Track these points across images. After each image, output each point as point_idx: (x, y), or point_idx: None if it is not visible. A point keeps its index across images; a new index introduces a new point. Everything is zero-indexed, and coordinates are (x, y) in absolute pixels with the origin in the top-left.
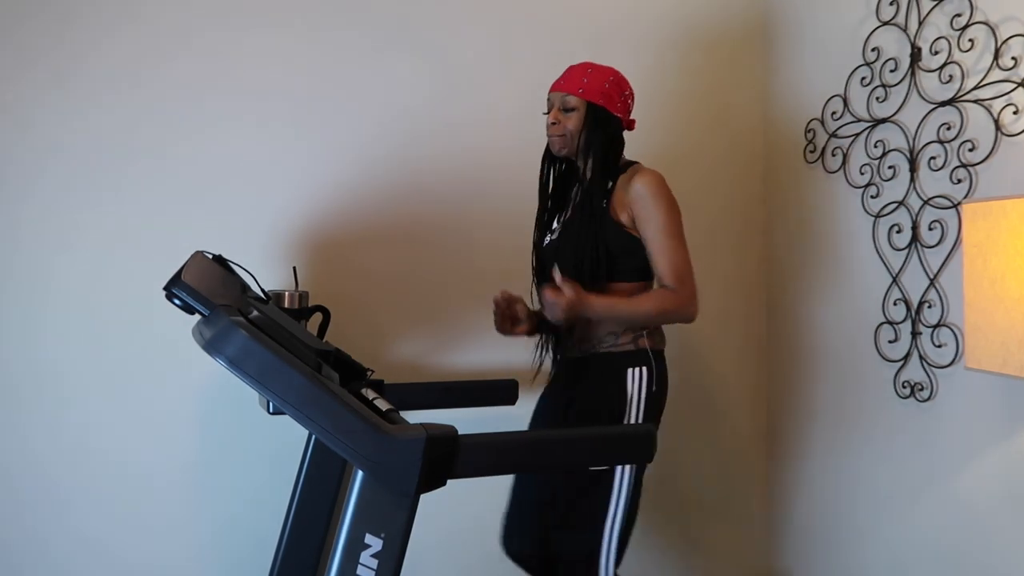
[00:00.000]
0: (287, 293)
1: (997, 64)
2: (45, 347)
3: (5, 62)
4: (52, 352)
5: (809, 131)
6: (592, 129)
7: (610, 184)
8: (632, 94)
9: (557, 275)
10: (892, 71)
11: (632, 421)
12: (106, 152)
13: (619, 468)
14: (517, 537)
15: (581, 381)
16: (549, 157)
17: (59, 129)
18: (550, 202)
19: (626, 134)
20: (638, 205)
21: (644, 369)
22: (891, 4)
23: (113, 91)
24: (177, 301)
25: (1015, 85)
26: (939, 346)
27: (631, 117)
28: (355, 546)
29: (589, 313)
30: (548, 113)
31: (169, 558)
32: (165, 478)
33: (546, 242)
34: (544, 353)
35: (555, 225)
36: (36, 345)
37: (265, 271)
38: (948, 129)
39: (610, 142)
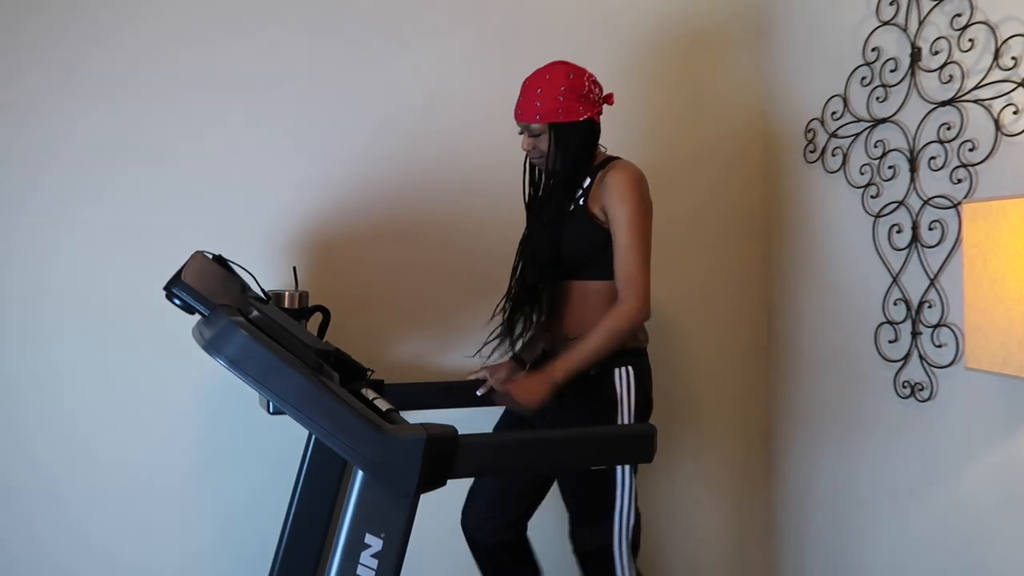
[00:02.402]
0: (287, 293)
1: (997, 64)
2: (44, 347)
3: (5, 62)
4: (50, 352)
5: (809, 131)
6: (559, 148)
7: (588, 181)
8: (592, 82)
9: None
10: (892, 71)
11: (625, 422)
12: (106, 152)
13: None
14: (483, 521)
15: (570, 383)
16: (529, 172)
17: (59, 129)
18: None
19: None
20: (608, 200)
21: (631, 368)
22: (891, 4)
23: (112, 92)
24: (177, 301)
25: (1015, 85)
26: (939, 346)
27: (603, 97)
28: (355, 546)
29: (563, 381)
30: (521, 135)
31: (169, 558)
32: (165, 478)
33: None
34: (510, 348)
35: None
36: (35, 345)
37: (265, 271)
38: (948, 129)
39: (580, 148)
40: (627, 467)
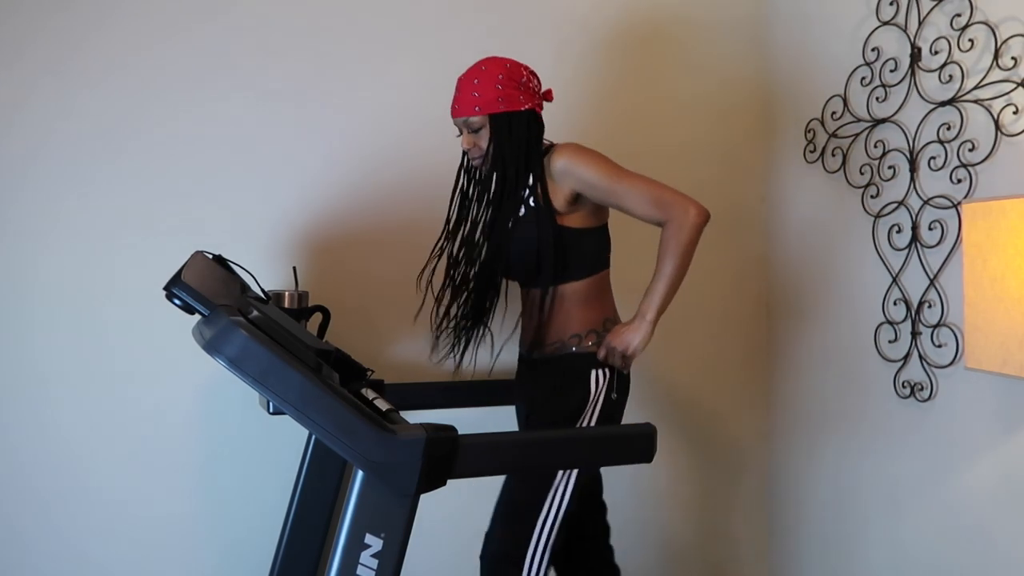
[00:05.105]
0: (287, 293)
1: (997, 64)
2: (35, 346)
3: None
4: (42, 352)
5: (809, 131)
6: (502, 139)
7: (531, 179)
8: (531, 73)
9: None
10: (892, 71)
11: (587, 424)
12: (102, 147)
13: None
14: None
15: (545, 380)
16: (466, 168)
17: (51, 121)
18: (471, 209)
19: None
20: (571, 178)
21: (607, 371)
22: (891, 4)
23: (109, 85)
24: (177, 301)
25: (1015, 85)
26: (939, 346)
27: (542, 92)
28: (355, 546)
29: (656, 319)
30: (460, 137)
31: (167, 558)
32: (162, 480)
33: (482, 253)
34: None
35: (478, 234)
36: (25, 344)
37: (265, 271)
38: (948, 129)
39: (526, 140)
40: (570, 476)
